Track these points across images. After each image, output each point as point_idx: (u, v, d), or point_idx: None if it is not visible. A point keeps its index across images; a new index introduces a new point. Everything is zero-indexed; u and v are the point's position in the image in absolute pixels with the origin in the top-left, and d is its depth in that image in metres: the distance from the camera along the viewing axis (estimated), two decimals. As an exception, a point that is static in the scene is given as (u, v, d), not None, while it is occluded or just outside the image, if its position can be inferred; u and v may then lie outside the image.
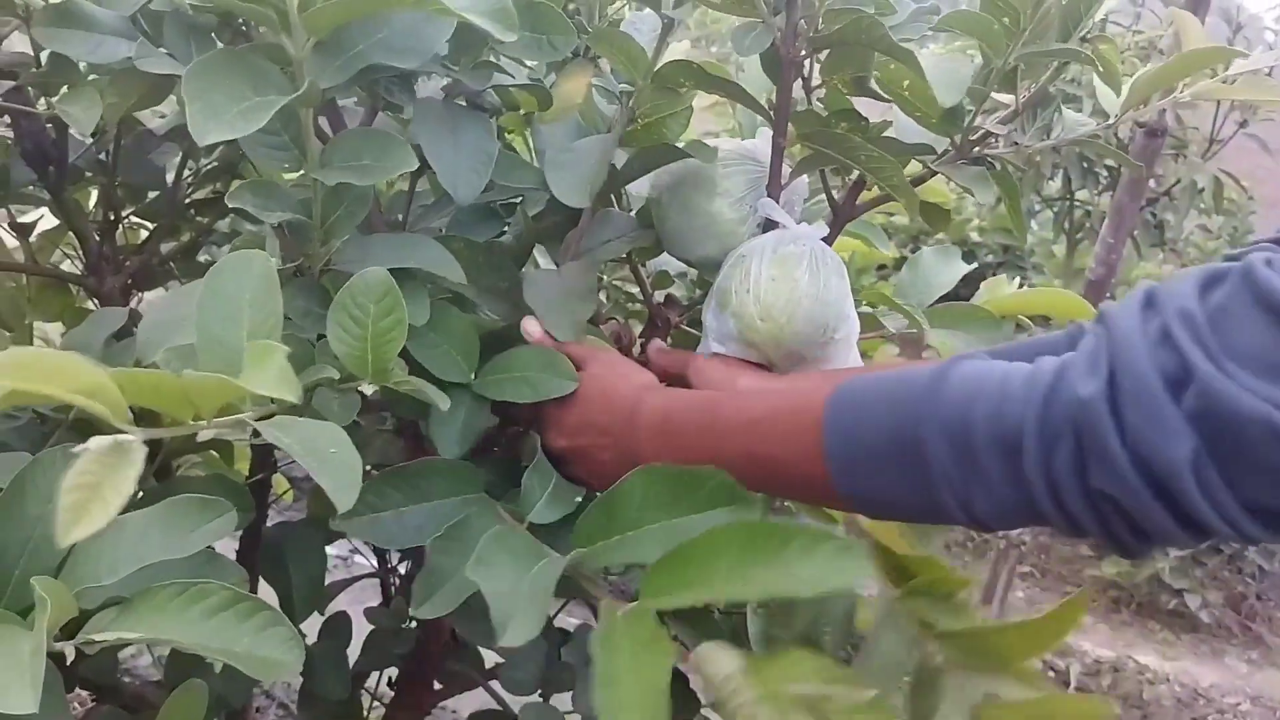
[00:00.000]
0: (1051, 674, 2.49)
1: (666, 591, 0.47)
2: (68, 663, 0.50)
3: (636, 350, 0.90)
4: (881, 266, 3.21)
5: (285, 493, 1.31)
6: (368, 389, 0.58)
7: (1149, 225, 3.00)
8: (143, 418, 0.48)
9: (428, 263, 0.62)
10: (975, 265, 0.86)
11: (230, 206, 0.56)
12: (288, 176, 0.72)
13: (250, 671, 0.46)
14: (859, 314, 0.87)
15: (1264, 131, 3.02)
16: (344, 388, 0.57)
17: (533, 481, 0.63)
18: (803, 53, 0.66)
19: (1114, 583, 2.82)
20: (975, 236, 4.28)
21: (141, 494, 0.73)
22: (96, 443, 0.43)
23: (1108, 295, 1.77)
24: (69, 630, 0.49)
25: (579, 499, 0.63)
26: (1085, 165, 2.72)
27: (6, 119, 0.94)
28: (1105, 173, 2.87)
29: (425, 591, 0.59)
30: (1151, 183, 2.93)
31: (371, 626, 1.02)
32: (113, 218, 1.06)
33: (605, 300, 1.10)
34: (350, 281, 0.55)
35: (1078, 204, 3.07)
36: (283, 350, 0.47)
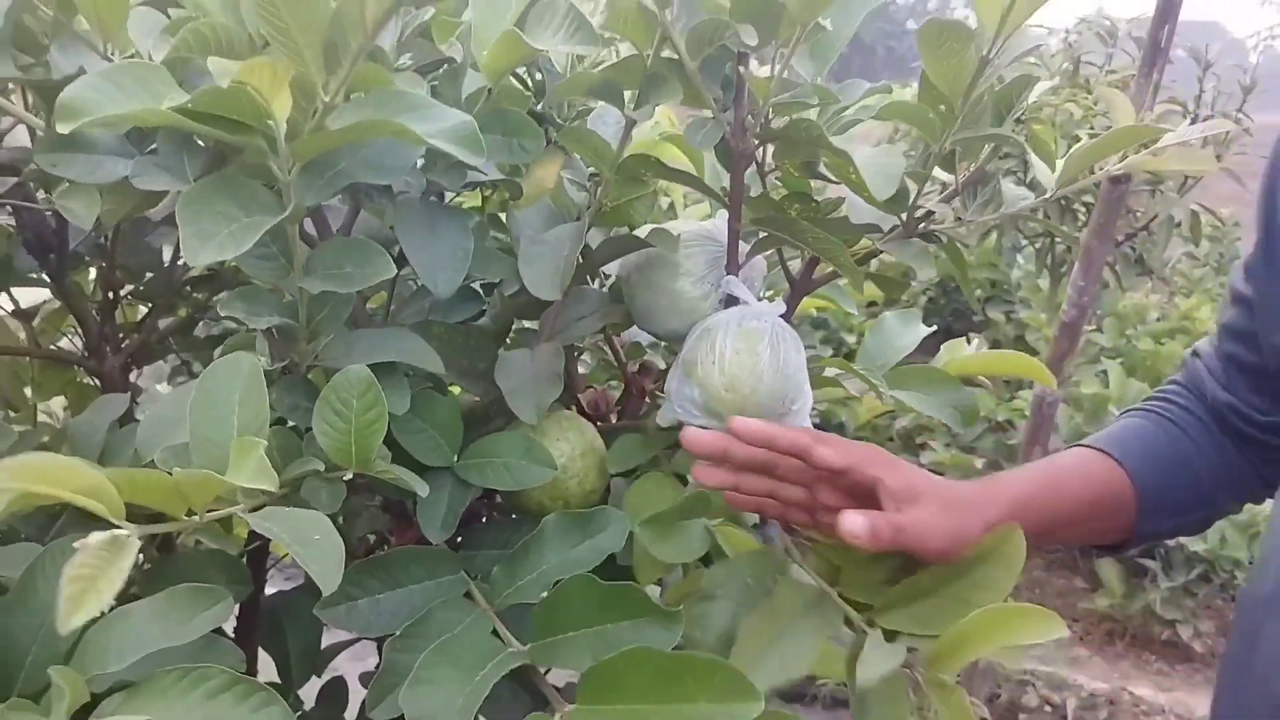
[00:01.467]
0: (1049, 709, 2.51)
1: (594, 702, 0.54)
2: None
3: (614, 417, 0.95)
4: (871, 304, 3.26)
5: (285, 555, 1.34)
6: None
7: (1129, 260, 3.06)
8: (141, 510, 0.53)
9: (407, 356, 0.66)
10: (935, 328, 0.90)
11: (221, 313, 0.60)
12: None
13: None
14: (831, 375, 0.92)
15: (1238, 162, 3.08)
16: (330, 477, 0.61)
17: (501, 573, 0.68)
18: (754, 144, 0.71)
19: (1108, 615, 2.84)
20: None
21: (148, 565, 0.77)
22: (95, 538, 0.48)
23: (1082, 334, 1.82)
24: (79, 716, 0.53)
25: (544, 594, 0.66)
26: (1062, 203, 2.78)
27: (9, 209, 0.99)
28: (1083, 209, 2.93)
29: (379, 692, 0.63)
30: (1134, 215, 2.99)
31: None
32: (112, 297, 1.10)
33: (590, 361, 1.15)
34: (334, 379, 0.59)
35: (1059, 240, 3.13)
36: (261, 445, 0.51)
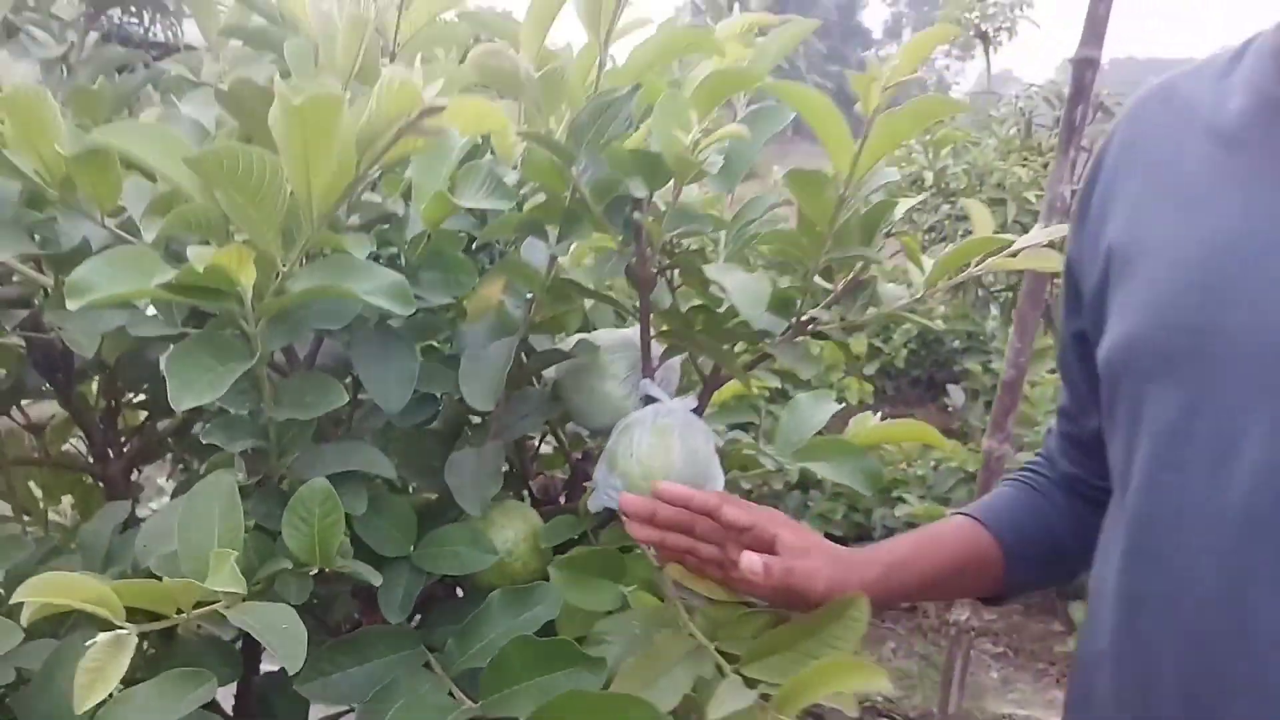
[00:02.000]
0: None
1: None
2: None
3: (564, 499, 1.06)
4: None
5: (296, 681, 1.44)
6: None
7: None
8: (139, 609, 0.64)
9: (365, 465, 0.78)
10: (843, 404, 1.04)
11: (203, 441, 0.72)
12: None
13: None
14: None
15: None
16: (299, 573, 0.73)
17: (454, 645, 0.79)
18: (653, 271, 0.83)
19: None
20: (940, 325, 4.49)
21: (152, 651, 0.88)
22: (103, 637, 0.59)
23: (1021, 391, 1.94)
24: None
25: (490, 659, 0.77)
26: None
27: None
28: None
29: None
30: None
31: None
32: (113, 404, 1.22)
33: (549, 447, 1.26)
34: (298, 492, 0.71)
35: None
36: (233, 555, 0.63)
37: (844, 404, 1.08)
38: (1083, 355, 0.82)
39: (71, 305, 0.62)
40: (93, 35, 1.31)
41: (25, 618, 0.59)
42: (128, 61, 1.30)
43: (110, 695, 0.62)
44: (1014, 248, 0.92)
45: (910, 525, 0.82)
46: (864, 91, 0.71)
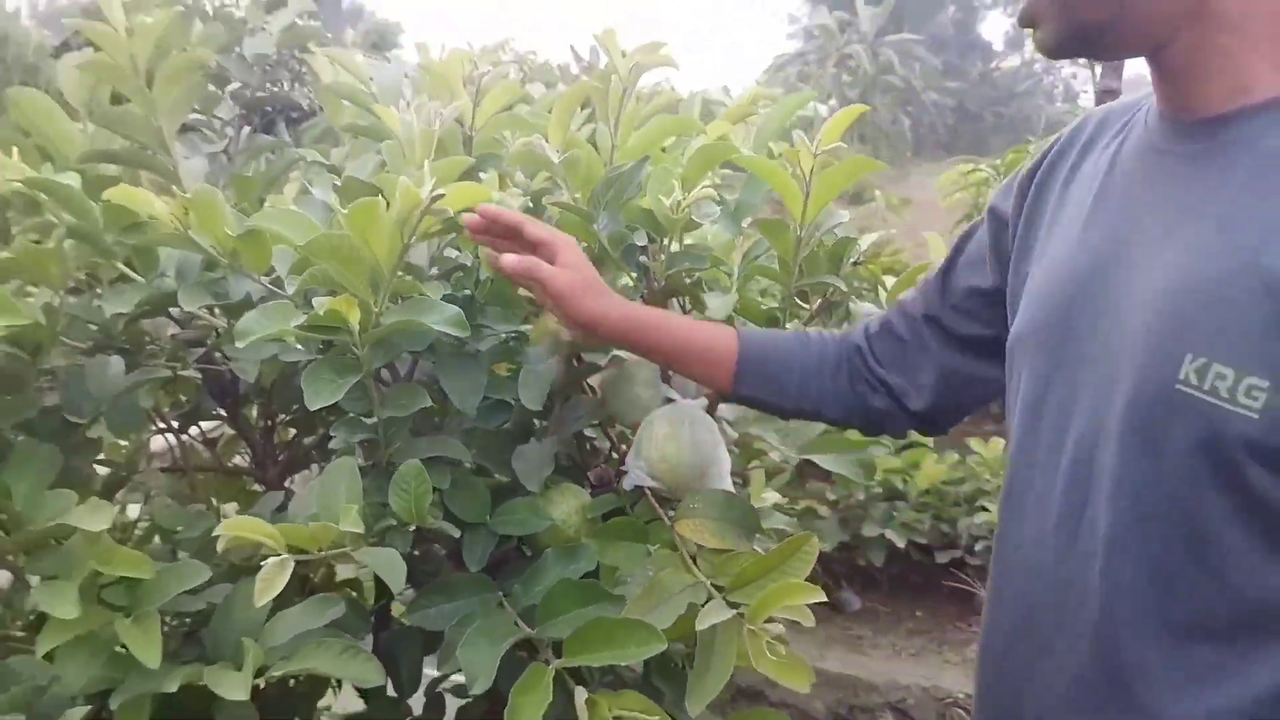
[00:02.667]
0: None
1: (573, 655, 0.92)
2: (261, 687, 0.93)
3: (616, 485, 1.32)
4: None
5: (401, 615, 1.74)
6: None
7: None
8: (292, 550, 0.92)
9: (447, 451, 1.06)
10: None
11: (331, 434, 1.01)
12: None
13: (349, 678, 0.89)
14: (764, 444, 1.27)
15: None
16: (401, 529, 1.00)
17: (517, 590, 1.06)
18: (659, 297, 1.09)
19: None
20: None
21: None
22: (270, 561, 0.88)
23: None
24: (259, 673, 0.92)
25: (544, 592, 1.03)
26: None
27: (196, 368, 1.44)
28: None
29: (444, 656, 1.01)
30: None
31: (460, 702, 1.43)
32: (270, 424, 1.54)
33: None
34: (399, 470, 0.99)
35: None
36: (355, 508, 0.91)
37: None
38: (970, 293, 1.02)
39: (239, 344, 0.91)
40: (245, 130, 1.65)
41: (220, 546, 0.88)
42: (274, 147, 1.63)
43: (271, 615, 0.91)
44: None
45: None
46: (796, 161, 0.95)
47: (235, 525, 0.87)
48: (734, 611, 0.90)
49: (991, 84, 32.00)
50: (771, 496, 1.53)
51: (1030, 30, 0.80)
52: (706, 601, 0.94)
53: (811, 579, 0.94)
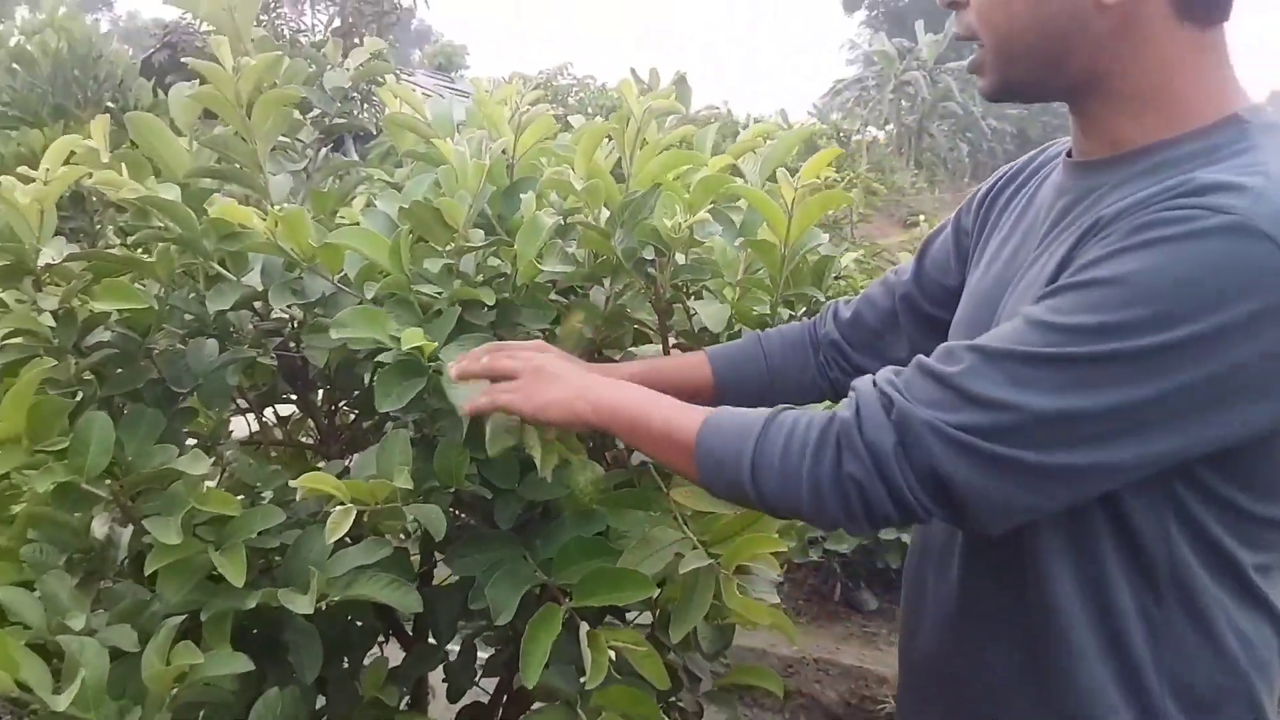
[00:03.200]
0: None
1: (581, 599, 1.10)
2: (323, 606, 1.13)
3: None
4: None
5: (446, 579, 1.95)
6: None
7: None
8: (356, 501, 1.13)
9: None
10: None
11: (386, 420, 1.22)
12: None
13: (394, 603, 1.09)
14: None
15: None
16: (442, 490, 1.21)
17: (539, 544, 1.26)
18: (665, 302, 1.28)
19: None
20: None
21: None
22: (338, 509, 1.08)
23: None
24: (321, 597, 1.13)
25: (560, 547, 1.23)
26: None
27: (273, 355, 1.66)
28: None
29: (474, 596, 1.22)
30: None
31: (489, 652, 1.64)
32: (333, 408, 1.76)
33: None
34: (442, 443, 1.19)
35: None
36: (406, 469, 1.11)
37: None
38: (938, 285, 1.20)
39: (333, 333, 1.13)
40: (323, 150, 1.88)
41: (299, 495, 1.09)
42: (347, 167, 1.86)
43: (334, 550, 1.12)
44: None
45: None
46: (787, 194, 1.15)
47: (310, 479, 1.08)
48: (711, 560, 1.09)
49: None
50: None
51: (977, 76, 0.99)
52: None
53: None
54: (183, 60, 1.36)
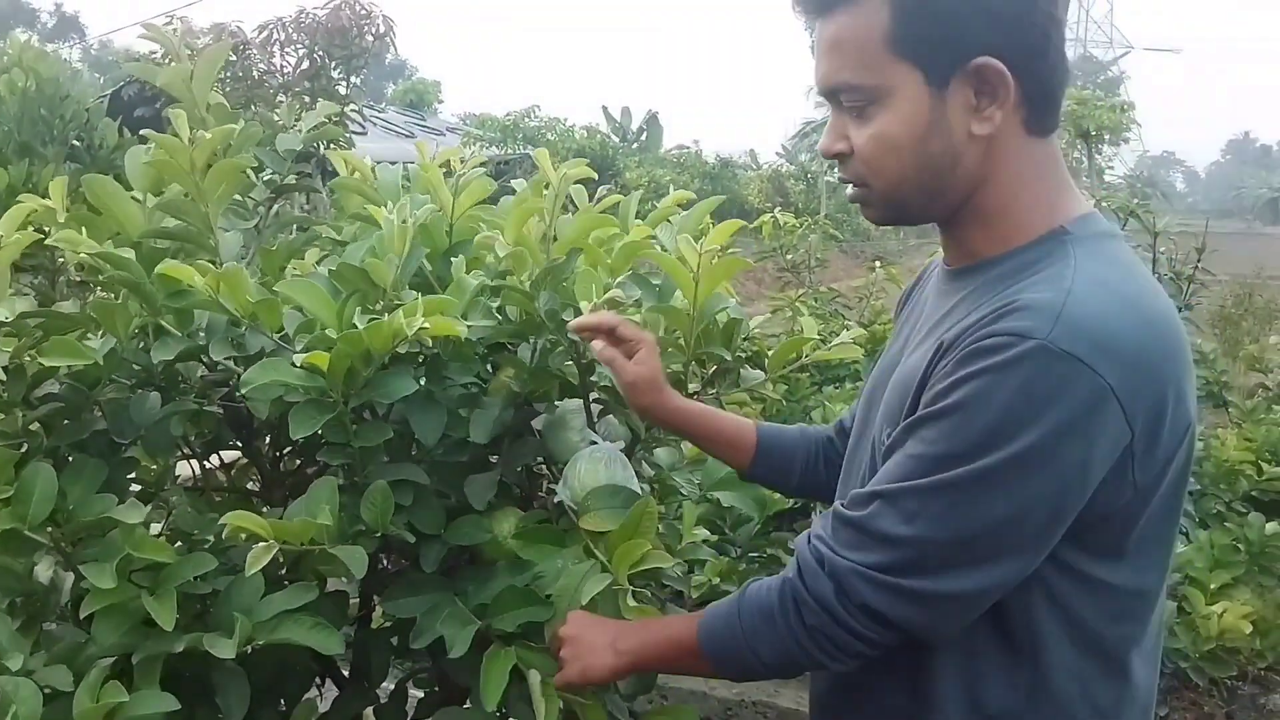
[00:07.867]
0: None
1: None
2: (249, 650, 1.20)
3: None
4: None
5: (382, 622, 2.01)
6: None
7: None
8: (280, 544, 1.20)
9: (409, 475, 1.33)
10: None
11: (320, 458, 1.29)
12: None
13: (316, 646, 1.16)
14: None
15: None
16: (369, 534, 1.28)
17: (470, 589, 1.33)
18: (585, 361, 1.37)
19: None
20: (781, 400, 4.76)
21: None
22: (258, 545, 1.15)
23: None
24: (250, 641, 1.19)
25: (494, 595, 1.30)
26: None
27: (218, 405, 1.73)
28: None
29: (417, 634, 1.29)
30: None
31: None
32: (277, 454, 1.82)
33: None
34: (369, 489, 1.27)
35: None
36: (329, 519, 1.18)
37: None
38: None
39: (242, 390, 1.20)
40: (275, 207, 1.96)
41: (225, 534, 1.16)
42: (301, 223, 1.94)
43: (263, 595, 1.19)
44: (832, 344, 1.41)
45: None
46: (691, 259, 1.24)
47: (236, 517, 1.15)
48: (609, 579, 1.18)
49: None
50: (701, 533, 1.80)
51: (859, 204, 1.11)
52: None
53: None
54: (150, 95, 1.44)
